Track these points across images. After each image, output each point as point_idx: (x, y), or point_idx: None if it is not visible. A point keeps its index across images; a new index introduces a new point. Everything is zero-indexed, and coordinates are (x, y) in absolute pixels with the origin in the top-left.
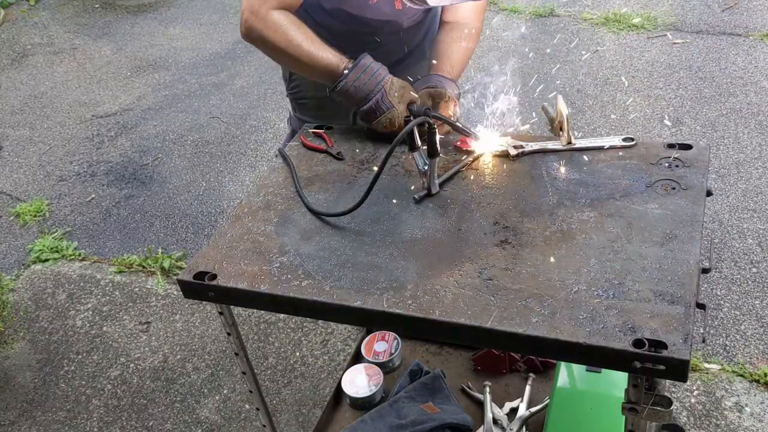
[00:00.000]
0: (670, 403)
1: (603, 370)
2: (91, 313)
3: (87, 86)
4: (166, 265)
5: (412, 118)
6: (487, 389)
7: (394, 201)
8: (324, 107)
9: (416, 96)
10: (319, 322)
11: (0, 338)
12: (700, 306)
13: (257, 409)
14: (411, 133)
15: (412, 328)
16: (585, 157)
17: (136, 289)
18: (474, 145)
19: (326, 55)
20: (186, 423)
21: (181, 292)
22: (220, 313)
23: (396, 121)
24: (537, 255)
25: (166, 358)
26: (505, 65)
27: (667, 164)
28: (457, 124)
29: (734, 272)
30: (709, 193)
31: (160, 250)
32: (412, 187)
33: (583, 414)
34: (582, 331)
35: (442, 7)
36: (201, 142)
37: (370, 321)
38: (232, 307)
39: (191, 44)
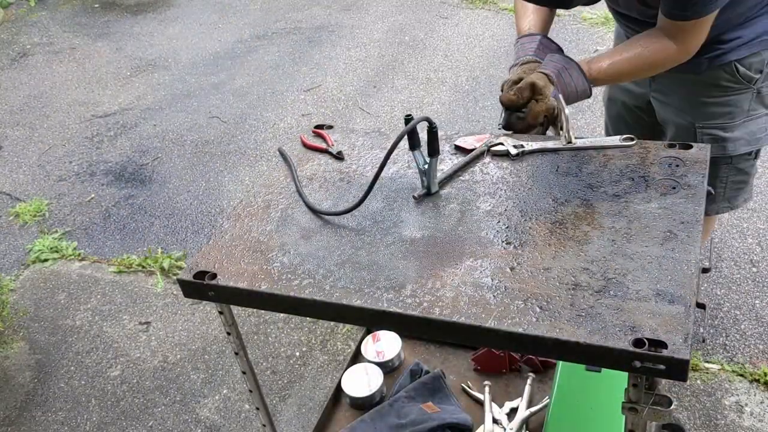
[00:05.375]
0: (670, 402)
1: (603, 370)
2: (90, 313)
3: (87, 86)
4: (165, 265)
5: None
6: (487, 389)
7: (394, 200)
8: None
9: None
10: (319, 322)
11: None
12: (700, 306)
13: (257, 409)
14: (411, 131)
15: (412, 328)
16: (585, 157)
17: (136, 289)
18: (474, 145)
19: (522, 23)
20: (186, 423)
21: (181, 292)
22: (220, 313)
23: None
24: (537, 255)
25: (166, 358)
26: (506, 65)
27: (667, 164)
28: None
29: (734, 272)
30: (709, 193)
31: (159, 250)
32: (412, 187)
33: (583, 414)
34: (582, 331)
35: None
36: (200, 142)
37: (370, 321)
38: (232, 306)
39: (191, 44)
